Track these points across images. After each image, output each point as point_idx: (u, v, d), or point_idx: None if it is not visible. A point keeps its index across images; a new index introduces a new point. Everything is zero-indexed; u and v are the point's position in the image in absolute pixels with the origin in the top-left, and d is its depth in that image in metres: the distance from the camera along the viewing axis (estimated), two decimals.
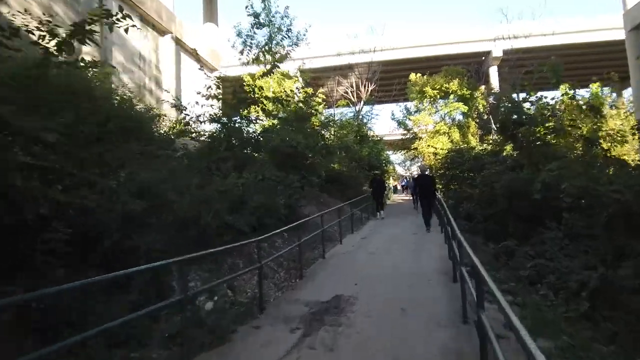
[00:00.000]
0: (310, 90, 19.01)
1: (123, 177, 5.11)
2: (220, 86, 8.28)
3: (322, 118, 15.24)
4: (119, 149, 5.88)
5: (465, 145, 18.16)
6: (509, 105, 9.48)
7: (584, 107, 8.95)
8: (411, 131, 24.37)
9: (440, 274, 5.79)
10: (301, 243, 6.36)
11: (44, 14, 5.80)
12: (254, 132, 9.40)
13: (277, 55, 18.87)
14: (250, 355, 3.52)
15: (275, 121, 10.90)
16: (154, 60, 14.48)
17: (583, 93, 13.42)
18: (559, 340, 3.82)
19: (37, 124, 3.60)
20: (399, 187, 39.62)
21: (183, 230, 4.91)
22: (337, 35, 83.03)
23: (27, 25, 4.60)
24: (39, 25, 4.61)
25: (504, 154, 13.66)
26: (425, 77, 23.04)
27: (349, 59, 24.61)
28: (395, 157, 43.25)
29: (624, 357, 3.87)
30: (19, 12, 5.29)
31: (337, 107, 24.22)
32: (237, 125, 8.41)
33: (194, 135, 8.28)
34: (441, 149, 20.12)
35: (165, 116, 9.06)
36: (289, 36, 13.21)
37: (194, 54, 17.06)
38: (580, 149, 9.40)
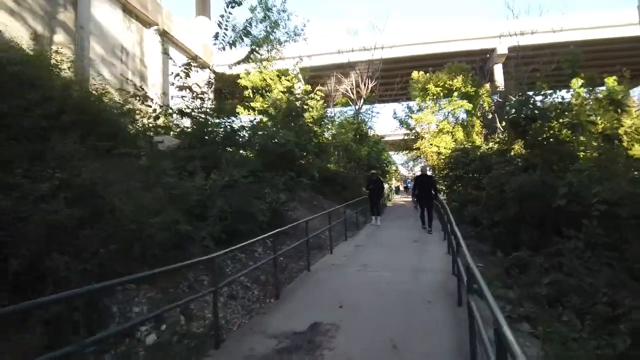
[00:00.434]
0: (308, 87, 18.20)
1: (59, 178, 4.22)
2: (190, 74, 7.38)
3: (316, 114, 14.27)
4: (67, 145, 5.02)
5: (470, 144, 17.17)
6: (521, 98, 8.51)
7: (603, 101, 7.99)
8: (413, 130, 23.46)
9: (442, 294, 4.86)
10: (278, 256, 5.45)
11: None
12: (238, 129, 8.48)
13: (274, 51, 18.11)
14: None
15: (265, 118, 10.01)
16: (139, 54, 13.60)
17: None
18: None
19: None
20: (401, 188, 38.90)
21: (126, 245, 4.02)
22: (337, 31, 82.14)
23: None
24: None
25: (512, 153, 12.74)
26: (428, 74, 22.10)
27: (349, 57, 23.76)
28: (398, 157, 42.42)
29: None
30: None
31: (335, 105, 23.31)
32: (211, 120, 7.52)
33: (161, 130, 7.40)
34: (445, 148, 19.19)
35: (141, 111, 8.21)
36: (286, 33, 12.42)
37: (184, 48, 16.26)
38: (599, 147, 8.43)
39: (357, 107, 23.02)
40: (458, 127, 21.06)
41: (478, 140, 19.46)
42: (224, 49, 7.51)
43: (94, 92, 7.74)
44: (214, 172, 5.37)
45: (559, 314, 4.72)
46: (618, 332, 3.92)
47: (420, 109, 23.13)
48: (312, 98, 16.21)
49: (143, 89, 7.25)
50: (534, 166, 8.29)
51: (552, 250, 7.07)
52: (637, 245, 5.40)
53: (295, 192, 9.25)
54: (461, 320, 3.80)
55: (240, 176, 5.80)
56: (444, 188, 16.55)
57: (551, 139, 8.18)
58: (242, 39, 7.24)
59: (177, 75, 7.18)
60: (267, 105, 11.68)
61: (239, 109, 13.57)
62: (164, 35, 14.53)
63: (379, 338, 3.68)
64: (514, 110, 8.76)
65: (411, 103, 25.26)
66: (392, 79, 27.15)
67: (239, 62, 7.53)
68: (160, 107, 7.35)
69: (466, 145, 16.70)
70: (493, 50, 27.73)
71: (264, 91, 8.01)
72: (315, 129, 11.84)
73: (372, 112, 24.10)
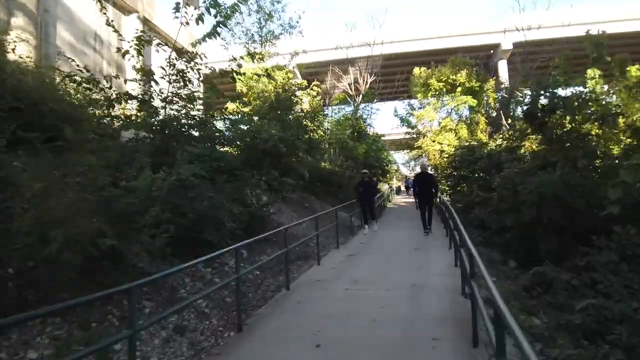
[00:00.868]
0: (304, 82, 17.13)
1: None
2: (143, 52, 6.32)
3: (309, 107, 13.18)
4: None
5: (476, 142, 16.07)
6: (539, 86, 7.39)
7: (633, 89, 6.90)
8: (415, 129, 22.37)
9: (451, 326, 3.75)
10: (249, 272, 4.38)
11: None
12: (204, 120, 7.27)
13: (268, 45, 17.06)
14: None
15: (247, 109, 8.94)
16: (115, 43, 12.55)
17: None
18: None
19: None
20: (402, 188, 38.04)
21: (24, 267, 2.94)
22: (334, 26, 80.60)
23: None
24: None
25: (522, 150, 11.66)
26: (429, 69, 21.00)
27: (347, 52, 22.72)
28: (399, 157, 41.43)
29: None
30: None
31: (331, 103, 22.23)
32: (171, 109, 6.44)
33: (107, 119, 6.31)
34: (448, 145, 18.09)
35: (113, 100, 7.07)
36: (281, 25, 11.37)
37: (169, 39, 15.18)
38: (627, 142, 7.35)
39: (355, 103, 21.91)
40: (462, 124, 19.95)
41: (483, 138, 18.37)
42: (187, 23, 6.42)
43: (58, 81, 6.75)
44: (163, 169, 4.30)
45: (604, 354, 3.60)
46: None
47: (421, 106, 22.04)
48: (308, 94, 15.15)
49: (88, 69, 6.16)
50: (553, 164, 7.19)
51: (578, 262, 5.99)
52: None
53: (280, 193, 8.16)
54: None
55: (190, 174, 4.71)
56: (447, 189, 15.50)
57: (574, 133, 7.09)
58: (209, 11, 6.13)
59: (126, 52, 6.08)
60: (253, 99, 10.61)
61: (229, 104, 12.55)
62: (146, 23, 13.49)
63: None
64: (529, 100, 7.67)
65: (412, 100, 24.25)
66: (392, 75, 26.14)
67: (204, 38, 6.42)
68: (118, 95, 6.27)
69: (472, 143, 15.59)
70: (497, 45, 26.84)
71: (233, 75, 6.94)
72: (306, 123, 10.74)
73: (371, 108, 23.01)
